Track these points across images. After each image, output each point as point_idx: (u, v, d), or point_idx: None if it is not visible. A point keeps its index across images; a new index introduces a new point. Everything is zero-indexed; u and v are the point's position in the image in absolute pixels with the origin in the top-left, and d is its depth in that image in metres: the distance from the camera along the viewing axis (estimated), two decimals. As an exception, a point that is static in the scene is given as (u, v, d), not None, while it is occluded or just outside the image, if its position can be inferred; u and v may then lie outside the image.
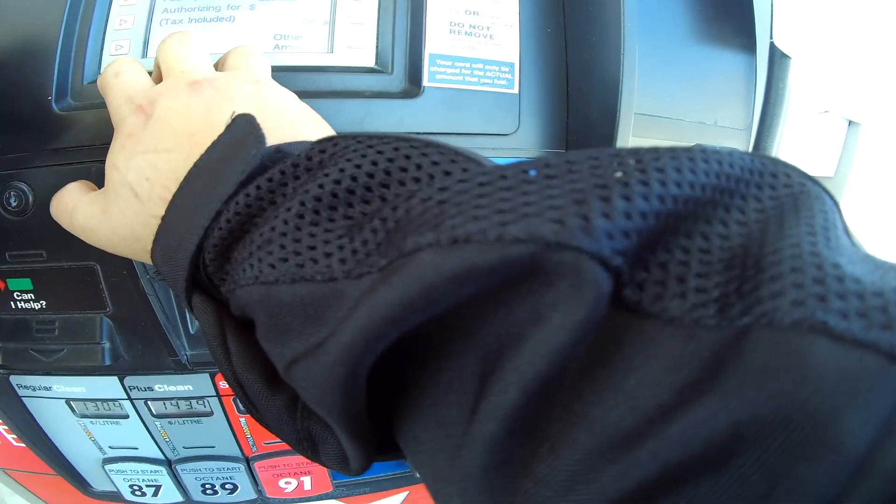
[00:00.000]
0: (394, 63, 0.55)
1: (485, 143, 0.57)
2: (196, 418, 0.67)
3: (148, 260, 0.32)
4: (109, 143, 0.50)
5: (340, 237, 0.21)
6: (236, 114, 0.29)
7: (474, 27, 0.57)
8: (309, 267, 0.21)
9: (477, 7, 0.57)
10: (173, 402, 0.65)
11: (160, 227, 0.29)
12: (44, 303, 0.57)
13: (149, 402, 0.65)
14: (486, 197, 0.18)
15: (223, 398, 0.65)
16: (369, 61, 0.55)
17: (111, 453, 0.72)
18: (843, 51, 0.83)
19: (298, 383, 0.21)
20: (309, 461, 0.70)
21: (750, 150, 0.70)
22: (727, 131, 0.67)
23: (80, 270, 0.55)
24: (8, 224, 0.53)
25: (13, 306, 0.57)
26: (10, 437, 0.77)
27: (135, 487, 0.76)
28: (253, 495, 0.77)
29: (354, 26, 0.55)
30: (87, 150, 0.51)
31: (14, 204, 0.52)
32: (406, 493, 1.04)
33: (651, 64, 0.58)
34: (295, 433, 0.26)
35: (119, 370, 0.61)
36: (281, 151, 0.28)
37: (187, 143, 0.30)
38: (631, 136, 0.56)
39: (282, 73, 0.53)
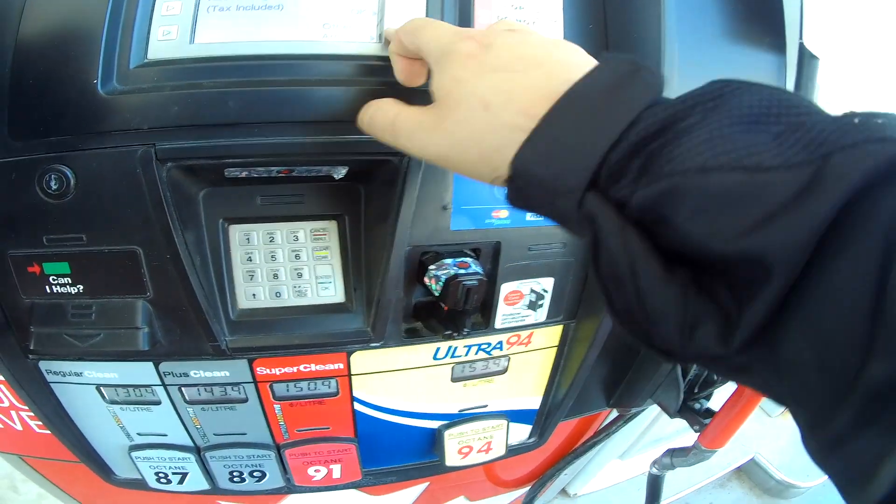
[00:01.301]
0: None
1: None
2: (230, 405, 0.67)
3: (482, 163, 0.36)
4: (157, 127, 0.51)
5: (766, 142, 0.26)
6: (605, 54, 0.35)
7: (520, 21, 0.57)
8: (746, 159, 0.25)
9: (522, 2, 0.58)
10: (208, 388, 0.65)
11: (539, 133, 0.32)
12: (81, 287, 0.56)
13: (183, 389, 0.65)
14: (869, 121, 0.25)
15: (259, 384, 0.65)
16: None
17: (139, 440, 0.72)
18: (869, 52, 0.84)
19: (771, 239, 0.24)
20: (340, 450, 0.71)
21: None
22: None
23: (122, 255, 0.55)
24: (47, 207, 0.52)
25: (48, 290, 0.56)
26: (34, 423, 0.77)
27: (160, 474, 0.76)
28: (280, 483, 0.77)
29: (404, 18, 0.55)
30: (133, 133, 0.51)
31: (55, 187, 0.51)
32: (427, 484, 1.06)
33: (688, 62, 0.59)
34: (680, 318, 0.28)
35: (155, 356, 0.61)
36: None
37: (539, 69, 0.34)
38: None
39: (330, 62, 0.53)
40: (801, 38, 0.73)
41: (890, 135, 0.23)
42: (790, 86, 0.72)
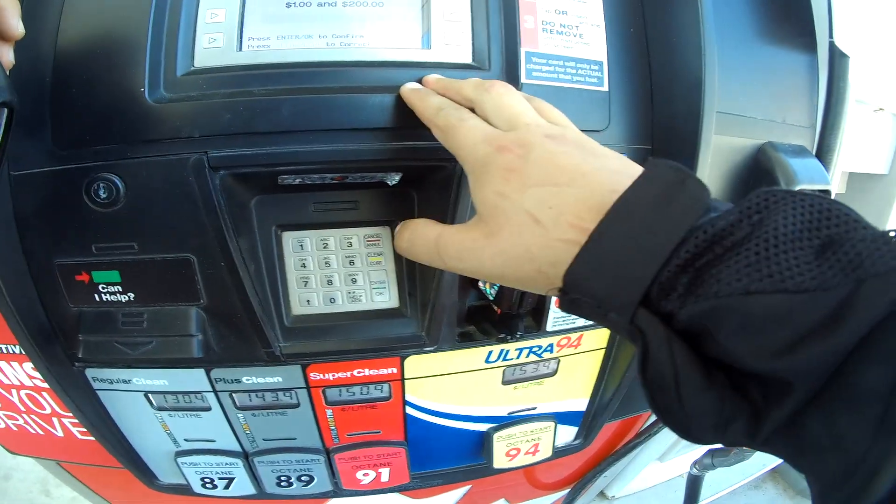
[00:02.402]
0: (490, 60, 0.55)
1: None
2: (281, 410, 0.67)
3: (535, 278, 0.37)
4: (208, 135, 0.51)
5: (807, 261, 0.27)
6: (651, 160, 0.34)
7: (564, 26, 0.57)
8: (787, 282, 0.27)
9: (565, 7, 0.58)
10: (259, 394, 0.65)
11: (591, 249, 0.33)
12: (132, 295, 0.56)
13: (234, 395, 0.65)
14: None
15: (312, 390, 0.65)
16: (466, 58, 0.55)
17: (185, 446, 0.73)
18: None
19: (800, 361, 0.26)
20: (390, 453, 0.71)
21: (815, 147, 0.72)
22: (795, 129, 0.70)
23: (176, 263, 0.55)
24: (96, 216, 0.52)
25: (97, 299, 0.56)
26: (76, 430, 0.77)
27: (206, 480, 0.76)
28: (328, 487, 0.77)
29: (449, 24, 0.55)
30: (184, 141, 0.51)
31: (104, 196, 0.51)
32: (469, 487, 1.05)
33: (726, 64, 0.59)
34: (715, 417, 0.30)
35: (207, 362, 0.61)
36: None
37: (583, 179, 0.35)
38: (714, 133, 0.57)
39: (380, 69, 0.53)
40: (831, 36, 0.72)
41: None
42: (822, 84, 0.72)
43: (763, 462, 1.49)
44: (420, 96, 0.49)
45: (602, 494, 1.43)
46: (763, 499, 1.54)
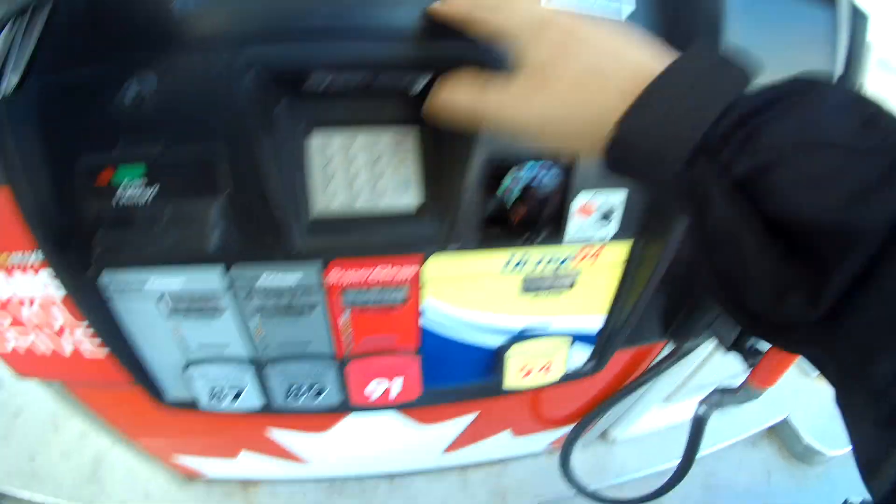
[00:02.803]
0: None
1: None
2: (296, 313, 0.66)
3: (584, 129, 0.37)
4: (240, 33, 0.51)
5: (856, 127, 0.28)
6: (699, 43, 0.35)
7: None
8: (839, 139, 0.28)
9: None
10: (276, 294, 0.64)
11: (647, 99, 0.33)
12: (153, 191, 0.56)
13: (250, 294, 0.64)
14: None
15: (330, 290, 0.64)
16: None
17: (197, 354, 0.72)
18: None
19: (870, 212, 0.27)
20: (402, 363, 0.71)
21: None
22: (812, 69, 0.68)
23: (202, 157, 0.54)
24: (123, 114, 0.52)
25: (118, 196, 0.56)
26: (86, 345, 0.77)
27: (215, 391, 0.76)
28: (338, 400, 0.77)
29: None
30: (217, 40, 0.51)
31: (133, 97, 0.51)
32: (476, 414, 1.06)
33: (746, 19, 0.59)
34: (775, 283, 0.30)
35: (225, 258, 0.61)
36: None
37: (627, 49, 0.36)
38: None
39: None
40: None
41: None
42: (842, 44, 0.71)
43: (763, 419, 1.51)
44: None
45: (604, 436, 1.44)
46: (758, 457, 1.55)
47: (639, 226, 0.68)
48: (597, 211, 0.64)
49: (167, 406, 0.81)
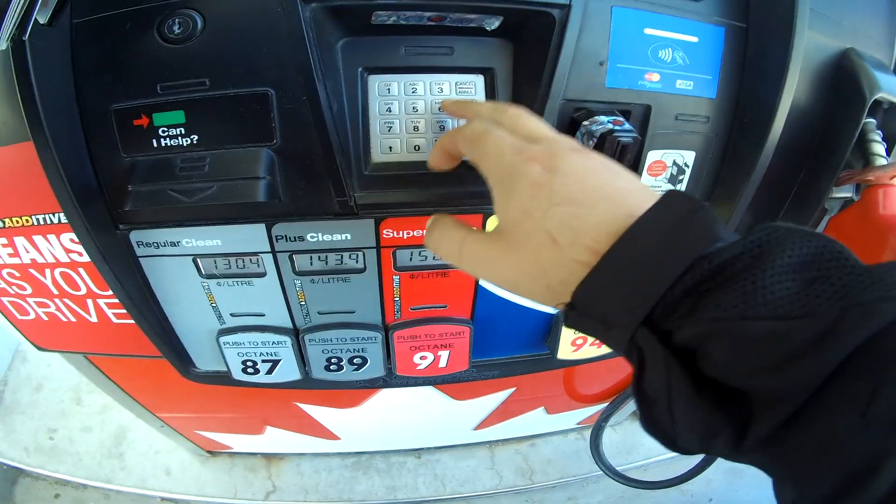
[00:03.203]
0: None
1: (680, 4, 0.57)
2: (343, 276, 0.62)
3: (546, 293, 0.38)
4: None
5: (798, 290, 0.30)
6: (669, 190, 0.35)
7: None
8: (779, 309, 0.29)
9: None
10: (322, 256, 0.60)
11: (601, 270, 0.35)
12: (196, 137, 0.51)
13: (294, 256, 0.60)
14: (886, 276, 0.29)
15: (382, 251, 0.60)
16: None
17: (231, 322, 0.68)
18: None
19: (786, 379, 0.29)
20: (453, 332, 0.66)
21: (893, 65, 0.71)
22: (875, 42, 0.69)
23: (250, 98, 0.50)
24: (165, 53, 0.48)
25: (155, 145, 0.51)
26: (112, 311, 0.73)
27: (248, 363, 0.72)
28: (381, 372, 0.73)
29: None
30: None
31: (178, 31, 0.48)
32: (512, 391, 1.02)
33: None
34: (703, 430, 0.32)
35: (270, 215, 0.57)
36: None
37: (604, 202, 0.36)
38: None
39: None
40: None
41: None
42: None
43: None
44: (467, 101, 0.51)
45: (634, 415, 1.42)
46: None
47: (707, 189, 0.65)
48: (667, 171, 0.62)
49: (194, 380, 0.77)
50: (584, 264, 0.35)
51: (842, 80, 0.64)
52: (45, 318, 0.74)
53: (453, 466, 1.38)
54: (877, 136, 0.66)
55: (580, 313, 0.36)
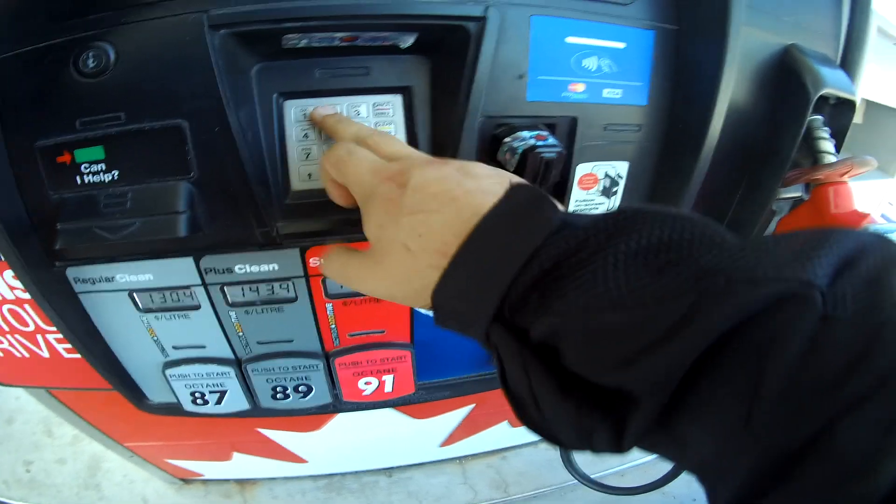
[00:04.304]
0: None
1: (605, 9, 0.56)
2: (277, 306, 0.61)
3: (416, 299, 0.39)
4: None
5: (645, 277, 0.28)
6: (514, 182, 0.37)
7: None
8: (624, 298, 0.28)
9: None
10: (253, 286, 0.59)
11: (451, 272, 0.35)
12: (116, 173, 0.51)
13: (225, 288, 0.59)
14: (751, 256, 0.27)
15: (311, 279, 0.59)
16: None
17: (174, 355, 0.67)
18: None
19: (637, 374, 0.28)
20: (394, 357, 0.66)
21: (839, 58, 0.70)
22: (820, 36, 0.67)
23: (164, 131, 0.49)
24: (82, 89, 0.48)
25: (79, 181, 0.51)
26: (62, 346, 0.72)
27: (196, 395, 0.72)
28: (328, 399, 0.72)
29: None
30: (182, 1, 0.47)
31: (92, 65, 0.47)
32: (472, 407, 1.02)
33: None
34: (576, 428, 0.31)
35: (195, 248, 0.56)
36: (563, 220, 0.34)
37: (451, 205, 0.37)
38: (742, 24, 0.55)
39: None
40: None
41: (761, 274, 0.26)
42: (846, 8, 0.69)
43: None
44: (335, 121, 0.52)
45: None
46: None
47: (643, 200, 0.64)
48: (599, 183, 0.61)
49: (148, 412, 0.76)
50: (436, 268, 0.36)
51: (785, 78, 0.63)
52: (1, 353, 0.73)
53: (426, 483, 1.36)
54: (824, 132, 0.65)
55: (442, 315, 0.38)
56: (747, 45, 0.58)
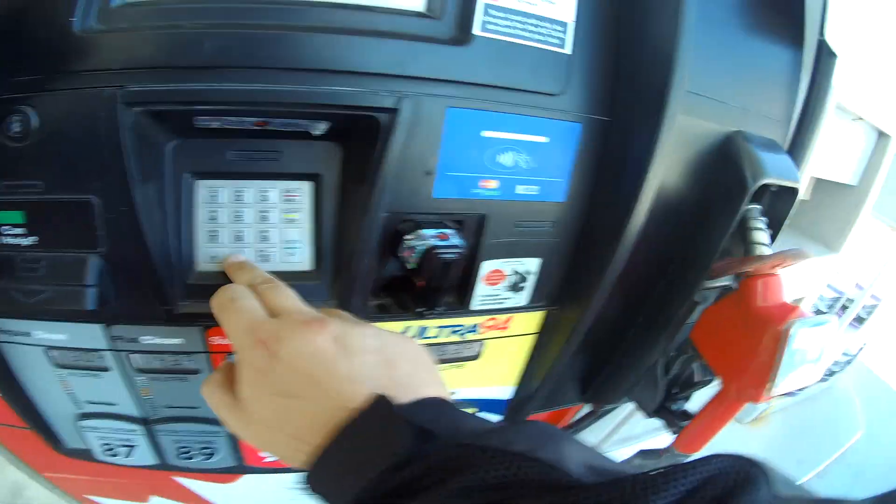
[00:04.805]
0: (444, 9, 0.52)
1: (530, 100, 0.55)
2: (181, 376, 0.63)
3: (285, 460, 0.41)
4: (127, 69, 0.48)
5: None
6: (374, 394, 0.38)
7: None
8: None
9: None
10: (158, 356, 0.61)
11: (314, 467, 0.38)
12: (34, 238, 0.52)
13: (132, 356, 0.61)
14: None
15: (213, 355, 0.61)
16: (419, 5, 0.52)
17: (87, 408, 0.68)
18: (889, 58, 0.81)
19: None
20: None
21: (787, 143, 0.69)
22: (768, 121, 0.67)
23: (75, 205, 0.51)
24: (6, 151, 0.49)
25: (1, 241, 0.52)
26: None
27: (107, 446, 0.72)
28: (232, 462, 0.73)
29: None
30: (103, 74, 0.48)
31: (17, 130, 0.48)
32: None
33: (703, 43, 0.56)
34: None
35: (105, 318, 0.57)
36: (424, 433, 0.36)
37: (317, 392, 0.38)
38: (680, 113, 0.54)
39: (322, 8, 0.50)
40: (821, 34, 0.71)
41: None
42: (804, 82, 0.69)
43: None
44: (236, 267, 0.54)
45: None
46: None
47: (554, 295, 0.65)
48: (506, 279, 0.62)
49: (64, 454, 0.77)
50: (302, 452, 0.38)
51: (722, 167, 0.62)
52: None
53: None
54: (759, 223, 0.64)
55: (310, 489, 0.39)
56: (688, 134, 0.59)
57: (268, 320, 0.43)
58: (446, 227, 0.56)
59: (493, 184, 0.56)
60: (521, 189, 0.57)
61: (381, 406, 0.38)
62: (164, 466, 0.75)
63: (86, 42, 0.48)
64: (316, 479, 0.38)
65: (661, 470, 0.28)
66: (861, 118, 0.96)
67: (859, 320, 1.99)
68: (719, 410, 0.73)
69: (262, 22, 0.49)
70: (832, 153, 0.94)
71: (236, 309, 0.45)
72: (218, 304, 0.47)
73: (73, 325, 0.58)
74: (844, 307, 1.87)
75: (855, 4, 0.74)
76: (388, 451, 0.35)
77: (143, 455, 0.72)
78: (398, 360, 0.43)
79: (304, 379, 0.39)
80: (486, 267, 0.60)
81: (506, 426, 0.38)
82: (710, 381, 0.79)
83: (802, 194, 0.69)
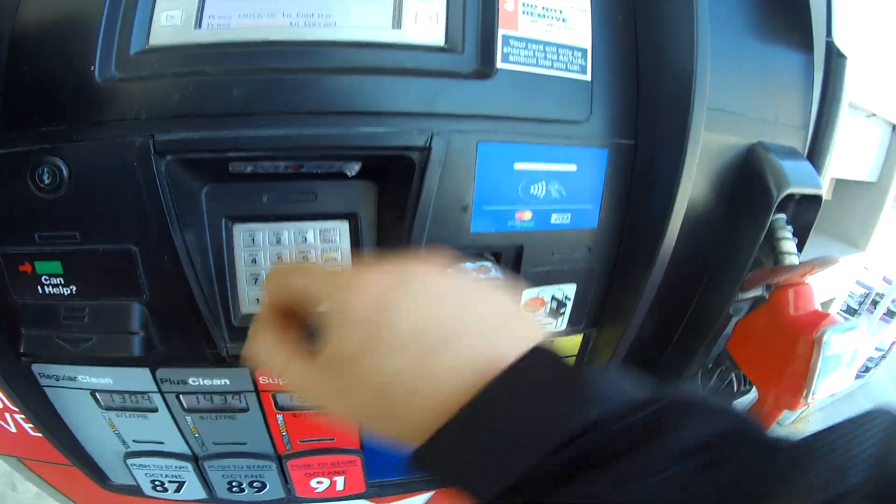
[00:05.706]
0: (465, 43, 0.52)
1: (557, 130, 0.55)
2: (230, 414, 0.63)
3: (389, 434, 0.34)
4: (156, 117, 0.48)
5: (684, 485, 0.26)
6: (534, 347, 0.31)
7: (547, 9, 0.54)
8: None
9: (548, -11, 0.54)
10: (207, 396, 0.61)
11: (443, 435, 0.30)
12: (74, 288, 0.53)
13: (181, 396, 0.61)
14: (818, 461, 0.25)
15: (261, 394, 0.61)
16: (438, 39, 0.52)
17: (135, 447, 0.69)
18: None
19: None
20: (345, 462, 0.67)
21: (806, 149, 0.68)
22: (786, 129, 0.66)
23: (116, 254, 0.51)
24: (39, 202, 0.49)
25: (40, 291, 0.53)
26: (28, 426, 0.74)
27: (156, 482, 0.73)
28: (281, 494, 0.74)
29: (423, 3, 0.52)
30: (131, 123, 0.48)
31: (47, 181, 0.49)
32: (431, 494, 1.02)
33: (718, 57, 0.55)
34: None
35: (151, 362, 0.58)
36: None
37: (449, 346, 0.31)
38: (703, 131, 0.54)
39: (344, 49, 0.50)
40: (829, 35, 0.70)
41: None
42: (817, 84, 0.69)
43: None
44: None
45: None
46: None
47: (593, 317, 0.65)
48: (546, 306, 0.62)
49: (111, 490, 0.78)
50: (424, 430, 0.31)
51: (747, 179, 0.62)
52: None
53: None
54: (787, 232, 0.64)
55: (433, 467, 0.32)
56: (710, 150, 0.58)
57: (360, 266, 0.35)
58: (486, 259, 0.56)
59: (527, 215, 0.56)
60: (555, 218, 0.57)
61: (544, 358, 0.31)
62: (213, 500, 0.75)
63: (109, 91, 0.48)
64: (445, 447, 0.31)
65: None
66: (874, 114, 0.94)
67: (890, 314, 1.96)
68: (759, 418, 0.72)
69: (286, 65, 0.50)
70: (849, 152, 0.93)
71: (304, 269, 0.38)
72: (277, 272, 0.39)
73: (119, 370, 0.59)
74: (875, 302, 1.85)
75: (857, 1, 0.73)
76: (575, 404, 0.29)
77: (193, 490, 0.73)
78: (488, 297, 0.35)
79: (429, 332, 0.32)
80: (526, 295, 0.60)
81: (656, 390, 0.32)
82: (748, 391, 0.78)
83: (825, 195, 0.68)
